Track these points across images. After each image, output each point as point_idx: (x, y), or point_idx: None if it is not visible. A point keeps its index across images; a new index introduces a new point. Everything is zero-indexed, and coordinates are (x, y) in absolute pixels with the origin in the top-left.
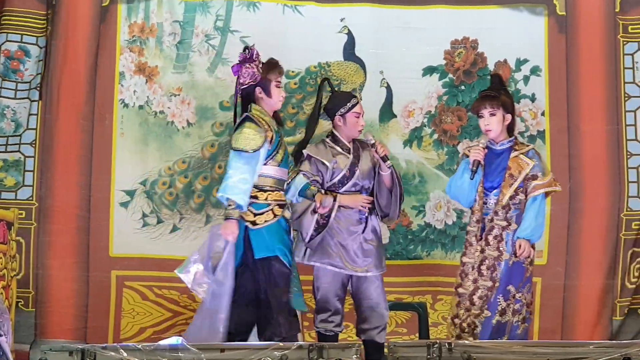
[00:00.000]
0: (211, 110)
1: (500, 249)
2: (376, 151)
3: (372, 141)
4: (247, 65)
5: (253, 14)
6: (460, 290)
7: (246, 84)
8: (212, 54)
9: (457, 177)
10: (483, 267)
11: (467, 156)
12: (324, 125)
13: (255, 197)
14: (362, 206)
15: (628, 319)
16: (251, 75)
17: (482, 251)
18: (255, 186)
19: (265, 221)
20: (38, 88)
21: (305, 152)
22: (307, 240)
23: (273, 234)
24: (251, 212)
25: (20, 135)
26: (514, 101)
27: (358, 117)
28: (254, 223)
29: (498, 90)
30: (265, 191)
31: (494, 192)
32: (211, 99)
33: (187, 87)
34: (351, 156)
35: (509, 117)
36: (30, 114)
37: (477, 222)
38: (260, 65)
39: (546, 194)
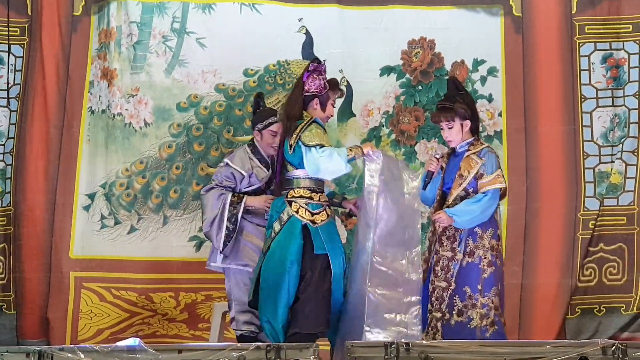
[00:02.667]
0: (168, 111)
1: (454, 249)
2: None
3: None
4: (316, 76)
5: (209, 15)
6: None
7: (310, 93)
8: (169, 55)
9: (421, 188)
10: (438, 268)
11: None
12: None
13: (311, 198)
14: (267, 206)
15: (583, 319)
16: (317, 86)
17: (437, 252)
18: (308, 188)
19: (322, 220)
20: (18, 98)
21: (225, 160)
22: (221, 248)
23: (328, 233)
24: (309, 211)
25: (3, 145)
26: (473, 102)
27: (275, 136)
28: (313, 222)
29: (454, 97)
30: (317, 192)
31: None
32: (168, 100)
33: (145, 87)
34: (269, 172)
35: (467, 123)
36: (10, 124)
37: (432, 224)
38: (325, 80)
39: (502, 195)
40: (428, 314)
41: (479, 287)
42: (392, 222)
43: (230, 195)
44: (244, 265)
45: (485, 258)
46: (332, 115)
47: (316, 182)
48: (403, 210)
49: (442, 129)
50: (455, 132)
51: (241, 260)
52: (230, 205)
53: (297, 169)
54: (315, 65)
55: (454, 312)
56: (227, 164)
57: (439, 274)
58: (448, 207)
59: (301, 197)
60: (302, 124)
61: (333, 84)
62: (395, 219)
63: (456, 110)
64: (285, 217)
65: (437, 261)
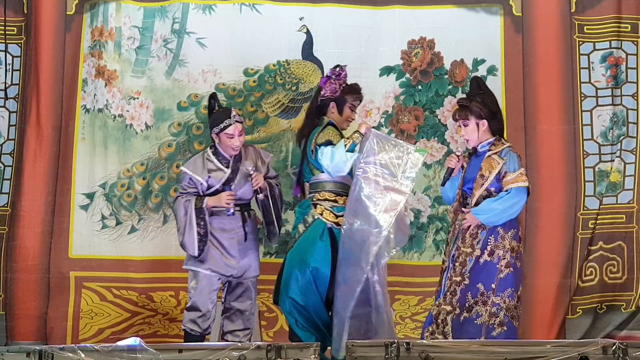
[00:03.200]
0: (168, 111)
1: (474, 246)
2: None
3: (251, 172)
4: (332, 81)
5: (209, 16)
6: (437, 287)
7: (325, 97)
8: (170, 57)
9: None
10: (457, 263)
11: None
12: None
13: (335, 201)
14: (227, 203)
15: (585, 318)
16: (332, 90)
17: (458, 248)
18: (332, 191)
19: None
20: (17, 99)
21: (182, 168)
22: (196, 253)
23: None
24: (334, 214)
25: (1, 146)
26: (494, 103)
27: (232, 138)
28: (337, 224)
29: (473, 96)
30: (341, 196)
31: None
32: (169, 101)
33: (146, 91)
34: (229, 170)
35: (484, 122)
36: (10, 125)
37: (453, 223)
38: (343, 85)
39: (528, 192)
40: (437, 307)
41: (493, 285)
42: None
43: (194, 199)
44: (208, 269)
45: (503, 258)
46: (352, 119)
47: (341, 186)
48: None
49: (459, 126)
50: (470, 131)
51: (206, 264)
52: (195, 208)
53: (322, 172)
54: (333, 70)
55: (464, 308)
56: (184, 172)
57: (457, 269)
58: (474, 207)
59: (326, 200)
60: (319, 129)
61: (352, 88)
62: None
63: (472, 109)
64: (310, 219)
65: (457, 257)
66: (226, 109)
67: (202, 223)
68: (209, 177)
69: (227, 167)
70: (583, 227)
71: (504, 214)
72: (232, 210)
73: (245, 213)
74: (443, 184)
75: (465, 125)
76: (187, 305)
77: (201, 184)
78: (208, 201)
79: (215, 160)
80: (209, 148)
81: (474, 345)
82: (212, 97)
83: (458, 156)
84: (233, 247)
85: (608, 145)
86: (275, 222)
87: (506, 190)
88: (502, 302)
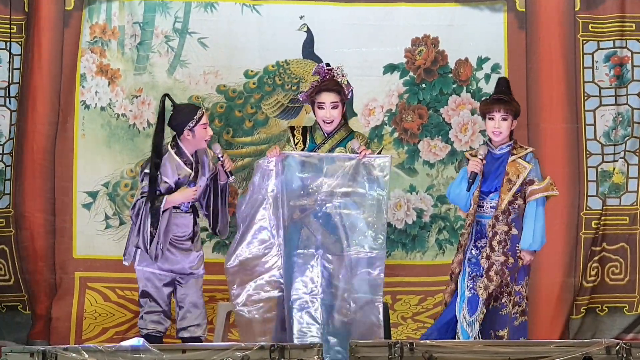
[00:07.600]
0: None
1: (506, 253)
2: (222, 164)
3: (220, 156)
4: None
5: (211, 14)
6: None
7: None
8: (171, 55)
9: (455, 184)
10: (491, 273)
11: (468, 160)
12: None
13: None
14: (193, 199)
15: (586, 318)
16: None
17: (488, 257)
18: None
19: None
20: (17, 98)
21: (146, 170)
22: (153, 257)
23: None
24: None
25: (3, 145)
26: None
27: (205, 128)
28: None
29: (508, 95)
30: None
31: (491, 196)
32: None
33: (148, 87)
34: (192, 171)
35: (514, 123)
36: (11, 124)
37: (469, 226)
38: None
39: (546, 198)
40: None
41: (515, 275)
42: None
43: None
44: (168, 270)
45: (520, 251)
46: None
47: None
48: None
49: (491, 119)
50: (505, 126)
51: (165, 266)
52: (151, 210)
53: None
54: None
55: (491, 297)
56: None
57: (494, 279)
58: (500, 212)
59: None
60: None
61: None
62: None
63: (514, 107)
64: None
65: (490, 266)
66: (186, 103)
67: (155, 224)
68: (178, 177)
69: (190, 165)
70: (586, 227)
71: (544, 225)
72: (189, 205)
73: (194, 214)
74: (468, 189)
75: (503, 119)
76: (147, 309)
77: (169, 186)
78: (167, 199)
79: (180, 160)
80: (170, 148)
81: (478, 345)
82: (166, 97)
83: (481, 160)
84: (181, 246)
85: (611, 145)
86: (223, 211)
87: (532, 200)
88: (523, 291)
